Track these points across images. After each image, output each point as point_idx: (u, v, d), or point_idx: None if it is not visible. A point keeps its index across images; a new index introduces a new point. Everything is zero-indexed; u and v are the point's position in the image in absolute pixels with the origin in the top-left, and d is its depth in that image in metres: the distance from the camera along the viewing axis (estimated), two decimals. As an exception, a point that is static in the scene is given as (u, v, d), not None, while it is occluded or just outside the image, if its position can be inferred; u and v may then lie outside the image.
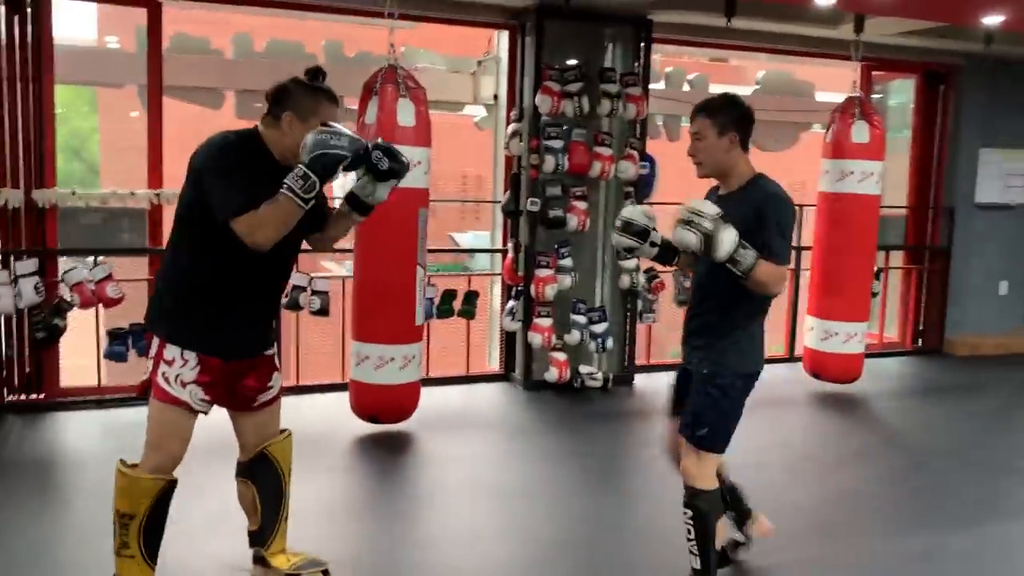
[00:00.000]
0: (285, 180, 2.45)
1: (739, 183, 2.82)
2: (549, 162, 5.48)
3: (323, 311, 5.34)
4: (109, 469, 3.39)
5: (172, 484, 2.71)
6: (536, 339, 5.63)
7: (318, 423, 4.93)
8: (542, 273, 5.59)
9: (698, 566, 2.87)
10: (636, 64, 5.81)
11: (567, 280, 5.65)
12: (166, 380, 2.61)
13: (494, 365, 6.29)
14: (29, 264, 4.73)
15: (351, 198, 2.77)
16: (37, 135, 4.85)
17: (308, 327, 6.22)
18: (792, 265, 2.69)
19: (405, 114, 4.46)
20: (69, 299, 4.85)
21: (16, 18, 4.76)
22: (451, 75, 6.51)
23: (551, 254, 5.62)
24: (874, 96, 7.70)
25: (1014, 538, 3.72)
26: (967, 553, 3.53)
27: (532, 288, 5.61)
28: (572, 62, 5.60)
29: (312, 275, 5.35)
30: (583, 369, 5.82)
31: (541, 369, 5.76)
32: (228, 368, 2.70)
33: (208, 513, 3.53)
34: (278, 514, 2.99)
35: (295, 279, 5.28)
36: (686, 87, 7.35)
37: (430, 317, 5.57)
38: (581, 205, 5.61)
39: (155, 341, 2.65)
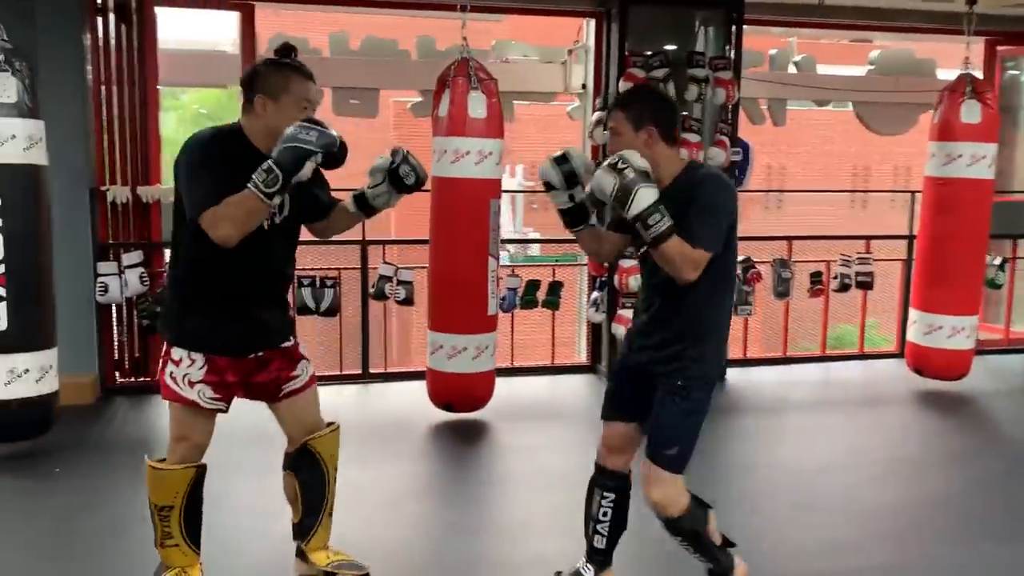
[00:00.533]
0: (252, 175, 2.39)
1: (670, 177, 2.55)
2: (633, 150, 5.38)
3: (408, 301, 5.46)
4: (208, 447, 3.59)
5: (202, 470, 2.75)
6: (620, 330, 5.54)
7: (398, 410, 5.06)
8: (626, 263, 5.48)
9: (712, 566, 2.75)
10: (728, 47, 5.62)
11: (652, 271, 5.53)
12: (173, 380, 2.62)
13: (582, 356, 6.25)
14: (134, 256, 5.07)
15: (361, 200, 2.75)
16: (142, 135, 5.19)
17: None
18: (711, 253, 2.45)
19: (476, 106, 4.49)
20: (171, 288, 5.16)
21: (123, 27, 5.10)
22: (542, 65, 6.51)
23: (636, 244, 5.52)
24: (1010, 72, 7.15)
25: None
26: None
27: (616, 279, 5.53)
28: (658, 48, 5.47)
29: (398, 266, 5.47)
30: (670, 362, 5.68)
31: (627, 361, 5.67)
32: (239, 366, 2.67)
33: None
34: (320, 509, 2.91)
35: (382, 269, 5.44)
36: (792, 68, 7.05)
37: (513, 307, 5.61)
38: (667, 194, 5.48)
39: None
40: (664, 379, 2.59)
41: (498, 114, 4.60)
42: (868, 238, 6.34)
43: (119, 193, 5.09)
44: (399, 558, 3.23)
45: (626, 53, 5.41)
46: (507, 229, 15.23)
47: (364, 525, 3.40)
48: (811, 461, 4.39)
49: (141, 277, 5.07)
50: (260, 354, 2.71)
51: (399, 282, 5.45)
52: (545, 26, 6.67)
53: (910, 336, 5.62)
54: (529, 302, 5.69)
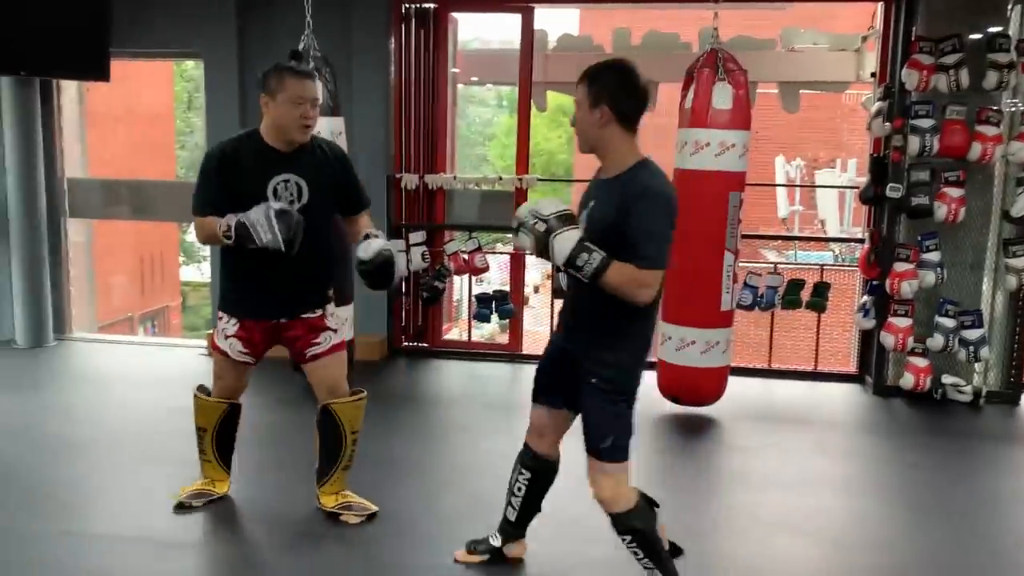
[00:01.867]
0: (236, 215, 2.93)
1: (618, 169, 2.51)
2: (914, 143, 4.91)
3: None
4: (470, 410, 4.33)
5: (233, 407, 3.37)
6: (889, 339, 5.12)
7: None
8: (900, 267, 5.05)
9: (659, 573, 2.64)
10: (1045, 26, 4.89)
11: (930, 276, 5.02)
12: (217, 333, 3.26)
13: (854, 365, 5.84)
14: (419, 235, 5.73)
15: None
16: (432, 129, 5.82)
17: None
18: (662, 270, 2.41)
19: (721, 97, 4.43)
20: (448, 266, 5.76)
21: (422, 31, 5.76)
22: (832, 54, 6.14)
23: (912, 246, 5.05)
24: None
25: None
26: None
27: (887, 283, 5.11)
28: (958, 31, 4.92)
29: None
30: (947, 379, 5.12)
31: (897, 374, 5.23)
32: (264, 329, 3.18)
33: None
34: (335, 464, 3.32)
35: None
36: None
37: (772, 307, 5.42)
38: (955, 192, 4.93)
39: None
40: (585, 372, 2.59)
41: (745, 106, 4.50)
42: None
43: (410, 180, 5.78)
44: (590, 535, 3.40)
45: (912, 38, 4.95)
46: (834, 228, 14.36)
47: (564, 501, 3.61)
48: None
49: (423, 255, 5.71)
50: (282, 320, 3.18)
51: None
52: (836, 12, 6.26)
53: None
54: (792, 303, 5.45)
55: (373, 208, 5.63)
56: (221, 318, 3.26)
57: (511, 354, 5.96)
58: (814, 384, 5.59)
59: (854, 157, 14.56)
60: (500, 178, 5.87)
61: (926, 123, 4.90)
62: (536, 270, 13.11)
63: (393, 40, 5.71)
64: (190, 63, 15.94)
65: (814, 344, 5.90)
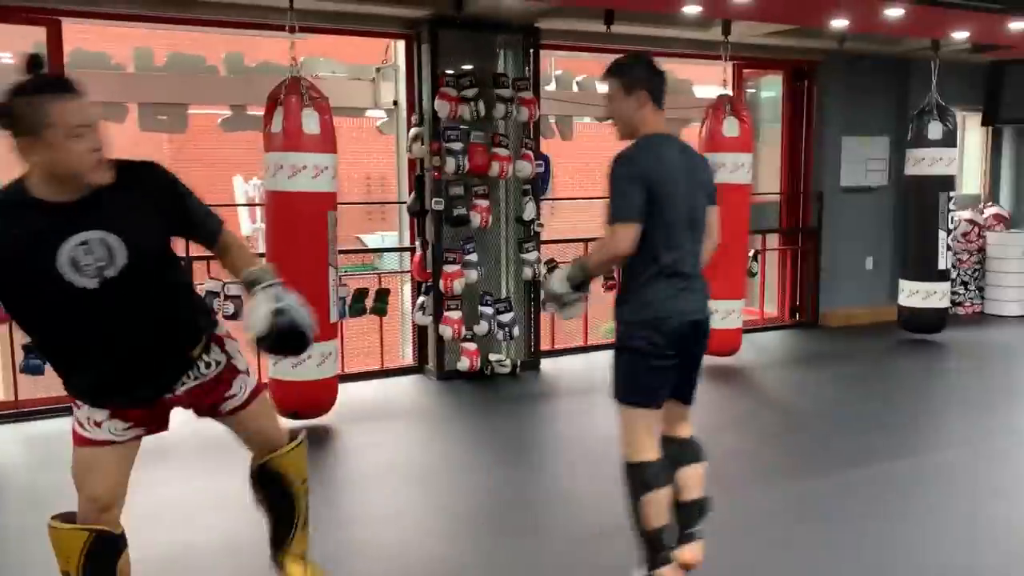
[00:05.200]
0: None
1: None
2: (450, 163, 5.80)
3: (236, 316, 5.51)
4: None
5: (101, 538, 2.36)
6: (447, 331, 5.94)
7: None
8: (449, 269, 5.91)
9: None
10: (527, 69, 6.18)
11: (473, 274, 5.99)
12: (79, 424, 2.37)
13: (408, 359, 6.58)
14: None
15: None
16: None
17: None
18: (620, 222, 2.66)
19: (310, 123, 4.71)
20: None
21: None
22: (351, 82, 6.76)
23: (457, 251, 5.94)
24: (748, 91, 8.31)
25: (879, 481, 4.20)
26: (835, 495, 4.01)
27: (440, 283, 5.92)
28: (467, 68, 5.93)
29: (225, 281, 5.50)
30: (492, 357, 6.17)
31: (453, 360, 6.09)
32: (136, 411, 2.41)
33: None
34: (291, 524, 2.73)
35: (208, 285, 5.45)
36: (575, 88, 7.78)
37: (343, 316, 5.83)
38: (483, 203, 5.96)
39: None
40: (705, 317, 2.93)
41: (330, 130, 4.83)
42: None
43: None
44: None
45: (438, 73, 5.82)
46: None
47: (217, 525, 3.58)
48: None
49: None
50: (156, 399, 2.43)
51: (226, 297, 5.48)
52: (351, 45, 6.91)
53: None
54: (358, 310, 5.92)
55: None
56: (80, 405, 2.36)
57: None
58: (385, 381, 6.17)
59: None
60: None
61: (457, 146, 5.83)
62: None
63: None
64: None
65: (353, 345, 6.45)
